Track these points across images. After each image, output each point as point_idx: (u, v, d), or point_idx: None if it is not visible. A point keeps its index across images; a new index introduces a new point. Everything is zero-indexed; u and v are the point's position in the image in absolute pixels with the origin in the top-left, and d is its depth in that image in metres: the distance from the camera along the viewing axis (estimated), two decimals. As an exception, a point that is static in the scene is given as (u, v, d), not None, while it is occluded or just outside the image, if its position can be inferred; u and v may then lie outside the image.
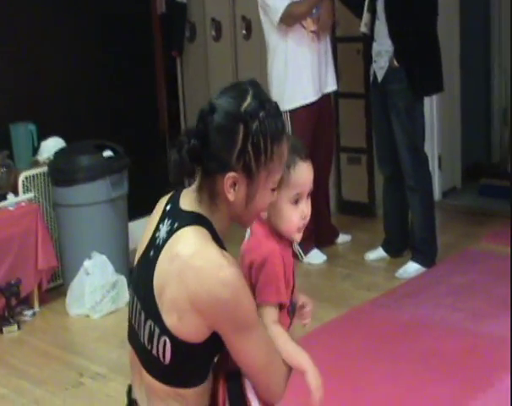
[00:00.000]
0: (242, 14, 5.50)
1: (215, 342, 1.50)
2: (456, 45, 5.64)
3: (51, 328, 3.90)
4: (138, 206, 4.62)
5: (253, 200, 1.48)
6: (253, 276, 1.60)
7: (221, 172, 1.45)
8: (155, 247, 1.50)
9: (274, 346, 1.53)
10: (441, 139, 5.47)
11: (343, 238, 4.78)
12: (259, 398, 1.57)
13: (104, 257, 3.98)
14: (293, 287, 1.70)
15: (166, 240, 1.48)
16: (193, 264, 1.43)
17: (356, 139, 5.20)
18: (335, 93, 4.99)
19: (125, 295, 4.02)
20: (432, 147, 5.34)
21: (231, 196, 1.46)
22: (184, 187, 1.58)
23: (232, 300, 1.42)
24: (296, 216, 1.64)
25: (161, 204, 1.60)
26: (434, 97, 5.13)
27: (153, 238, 1.52)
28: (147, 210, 5.10)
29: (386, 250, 4.49)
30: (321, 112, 4.48)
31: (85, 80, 4.65)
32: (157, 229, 1.52)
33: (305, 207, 1.65)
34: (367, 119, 5.04)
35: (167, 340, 1.47)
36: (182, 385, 1.51)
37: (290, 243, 1.71)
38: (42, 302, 4.08)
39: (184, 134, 1.48)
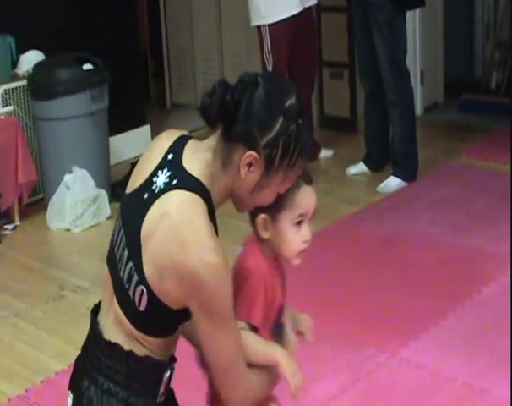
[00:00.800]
0: None
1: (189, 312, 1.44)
2: (440, -41, 5.48)
3: (31, 242, 3.82)
4: (119, 122, 4.54)
5: (260, 192, 1.43)
6: (234, 288, 1.52)
7: (246, 145, 1.38)
8: (150, 191, 1.40)
9: (243, 356, 1.46)
10: (423, 54, 5.35)
11: (325, 153, 4.68)
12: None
13: (84, 171, 3.87)
14: (280, 307, 1.61)
15: (162, 191, 1.38)
16: (182, 233, 1.35)
17: (339, 53, 5.04)
18: (318, 6, 4.83)
19: (106, 210, 3.94)
20: (414, 62, 5.22)
21: (243, 172, 1.40)
22: (191, 136, 1.49)
23: (212, 285, 1.36)
24: (297, 240, 1.57)
25: (162, 144, 1.47)
26: (417, 12, 4.98)
27: (150, 180, 1.42)
28: (127, 125, 5.01)
29: (367, 165, 4.42)
30: (302, 26, 4.31)
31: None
32: (155, 174, 1.42)
33: (307, 231, 1.58)
34: (350, 34, 4.86)
35: (145, 291, 1.39)
36: (150, 334, 1.45)
37: (281, 264, 1.63)
38: (23, 216, 3.97)
39: (221, 84, 1.39)
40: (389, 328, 2.87)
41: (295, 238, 1.57)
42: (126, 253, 1.42)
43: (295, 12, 4.20)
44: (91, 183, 3.87)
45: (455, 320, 2.89)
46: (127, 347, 1.45)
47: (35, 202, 4.11)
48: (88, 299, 3.17)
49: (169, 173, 1.40)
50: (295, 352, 1.58)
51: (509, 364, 2.51)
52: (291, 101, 1.40)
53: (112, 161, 4.35)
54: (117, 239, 1.47)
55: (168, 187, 1.38)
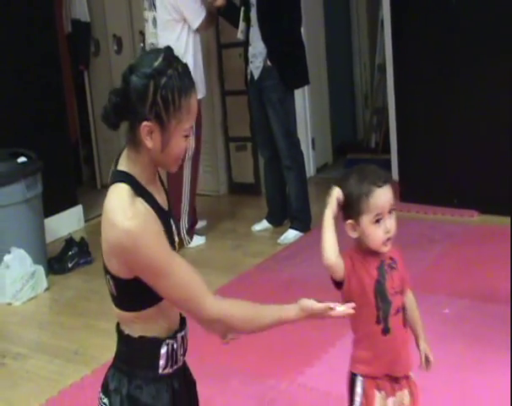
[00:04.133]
0: (139, 29, 5.39)
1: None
2: (322, 45, 5.71)
3: (-25, 317, 3.73)
4: (54, 204, 4.53)
5: (168, 146, 1.45)
6: None
7: (138, 122, 1.43)
8: None
9: (196, 282, 1.47)
10: (313, 124, 5.51)
11: (201, 224, 4.61)
12: None
13: (22, 251, 3.82)
14: (376, 284, 1.71)
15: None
16: (108, 217, 1.43)
17: (242, 129, 5.17)
18: (223, 90, 5.04)
19: (43, 282, 3.88)
20: (306, 131, 5.38)
21: (148, 143, 1.44)
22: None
23: (132, 248, 1.40)
24: (379, 233, 1.68)
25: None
26: (306, 89, 5.15)
27: None
28: (61, 206, 4.97)
29: (269, 221, 4.50)
30: None
31: (2, 96, 4.41)
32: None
33: (388, 223, 1.68)
34: (250, 112, 4.97)
35: (109, 277, 1.48)
36: (133, 310, 1.49)
37: (376, 259, 1.72)
38: (-32, 295, 3.87)
39: (111, 93, 1.46)
40: (288, 359, 2.92)
41: (376, 232, 1.67)
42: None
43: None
44: (29, 260, 3.82)
45: (343, 347, 2.96)
46: (126, 331, 1.51)
47: (-21, 282, 4.02)
48: (27, 363, 3.13)
49: (112, 180, 1.50)
50: None
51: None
52: (156, 63, 1.43)
53: (49, 239, 4.32)
54: None
55: (108, 190, 1.49)
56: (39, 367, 3.10)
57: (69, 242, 4.20)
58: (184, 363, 1.61)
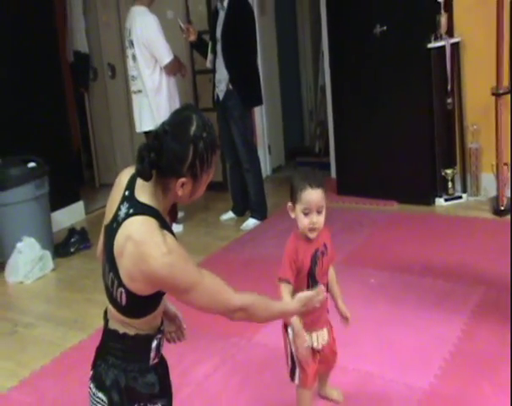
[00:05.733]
0: (128, 59, 5.30)
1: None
2: (276, 71, 5.68)
3: (-6, 294, 3.65)
4: (59, 200, 4.47)
5: (196, 192, 1.39)
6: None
7: (174, 176, 1.34)
8: (116, 221, 1.36)
9: (219, 287, 1.40)
10: (269, 133, 5.49)
11: (180, 214, 4.54)
12: None
13: (32, 239, 3.75)
14: (309, 270, 1.72)
15: (124, 219, 1.34)
16: (141, 250, 1.30)
17: (212, 139, 5.13)
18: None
19: (50, 264, 3.80)
20: (263, 139, 5.37)
21: (179, 192, 1.35)
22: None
23: (170, 277, 1.32)
24: (305, 221, 1.70)
25: (121, 184, 1.42)
26: (263, 106, 5.12)
27: (116, 214, 1.38)
28: (66, 202, 4.91)
29: (234, 212, 4.48)
30: None
31: (14, 114, 4.29)
32: (119, 209, 1.37)
33: (314, 218, 1.69)
34: (218, 125, 4.97)
35: (123, 291, 1.35)
36: (136, 317, 1.40)
37: (312, 242, 1.73)
38: (-13, 276, 3.79)
39: (144, 149, 1.33)
40: (247, 321, 2.91)
41: (303, 221, 1.71)
42: (107, 266, 1.40)
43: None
44: (38, 246, 3.75)
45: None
46: (121, 330, 1.42)
47: (-3, 265, 3.94)
48: (35, 331, 3.06)
49: (127, 205, 1.36)
50: (322, 299, 1.56)
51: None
52: (193, 128, 1.31)
53: (55, 228, 4.22)
54: (103, 258, 1.44)
55: (127, 215, 1.35)
56: (45, 334, 3.05)
57: (72, 231, 4.13)
58: None
